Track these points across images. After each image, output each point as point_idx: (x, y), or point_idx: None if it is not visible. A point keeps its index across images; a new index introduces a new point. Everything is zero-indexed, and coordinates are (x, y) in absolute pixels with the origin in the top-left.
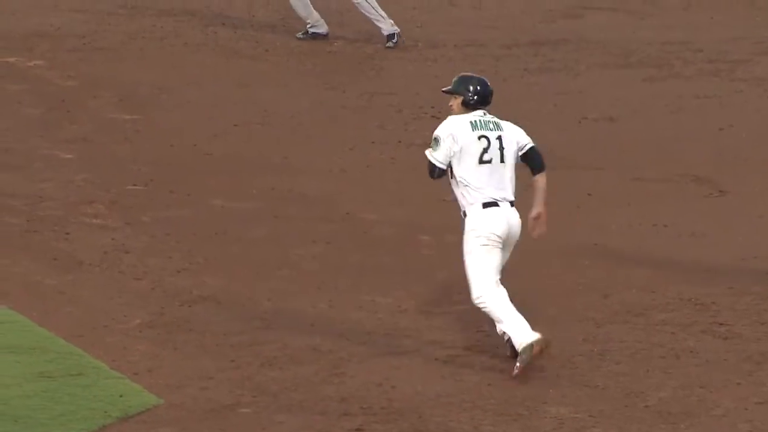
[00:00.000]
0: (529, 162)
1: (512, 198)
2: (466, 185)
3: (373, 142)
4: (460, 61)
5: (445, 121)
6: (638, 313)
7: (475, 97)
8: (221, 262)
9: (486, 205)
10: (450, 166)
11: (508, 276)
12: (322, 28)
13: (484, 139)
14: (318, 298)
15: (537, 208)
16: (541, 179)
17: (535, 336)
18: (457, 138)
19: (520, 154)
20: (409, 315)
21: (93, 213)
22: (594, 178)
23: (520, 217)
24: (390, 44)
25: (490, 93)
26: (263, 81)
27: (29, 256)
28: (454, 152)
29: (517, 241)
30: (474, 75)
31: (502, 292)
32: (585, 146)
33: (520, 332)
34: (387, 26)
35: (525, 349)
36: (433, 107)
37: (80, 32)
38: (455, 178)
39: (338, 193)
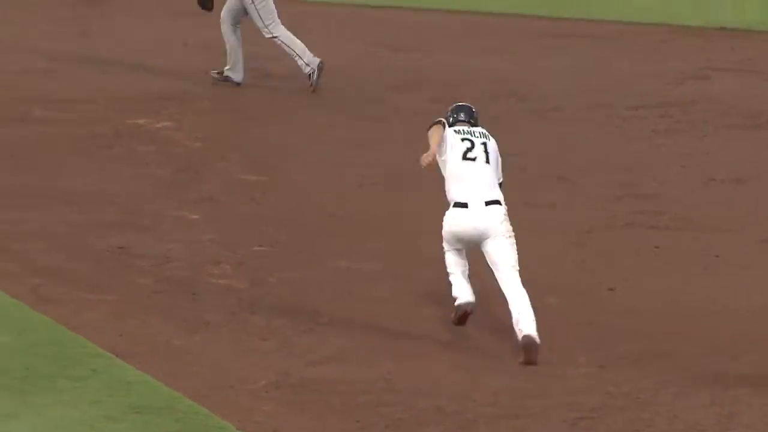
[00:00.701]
0: None
1: (489, 197)
2: (449, 182)
3: None
4: (586, 122)
5: None
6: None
7: (454, 115)
8: (346, 322)
9: (456, 205)
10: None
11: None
12: (238, 76)
13: (467, 141)
14: (442, 358)
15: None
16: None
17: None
18: (447, 137)
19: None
20: (536, 376)
21: (220, 273)
22: (721, 240)
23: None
24: (312, 82)
25: (470, 112)
26: (388, 142)
27: (157, 317)
28: (443, 148)
29: (501, 230)
30: (462, 104)
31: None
32: (712, 208)
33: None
34: (304, 64)
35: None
36: (559, 168)
37: (208, 94)
38: (444, 176)
39: None
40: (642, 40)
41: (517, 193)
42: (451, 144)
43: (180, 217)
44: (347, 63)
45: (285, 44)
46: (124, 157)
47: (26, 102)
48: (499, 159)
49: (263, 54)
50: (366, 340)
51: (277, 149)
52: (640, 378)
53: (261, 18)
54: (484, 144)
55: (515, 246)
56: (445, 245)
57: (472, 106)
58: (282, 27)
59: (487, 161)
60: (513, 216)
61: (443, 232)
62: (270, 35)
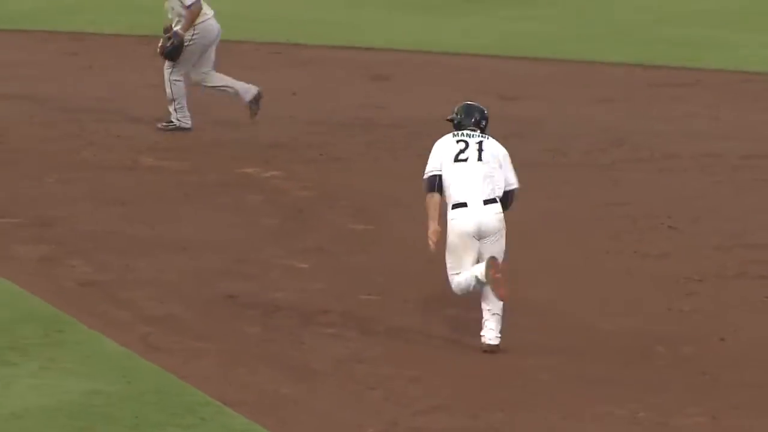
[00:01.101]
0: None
1: (486, 195)
2: (447, 185)
3: (607, 253)
4: (696, 171)
5: None
6: None
7: (458, 116)
8: (453, 371)
9: (455, 206)
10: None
11: None
12: (188, 123)
13: (462, 143)
14: (550, 409)
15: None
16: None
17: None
18: (441, 148)
19: (500, 166)
20: (645, 427)
21: (328, 322)
22: None
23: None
24: (254, 108)
25: (477, 116)
26: None
27: (265, 365)
28: (441, 161)
29: (498, 239)
30: (468, 102)
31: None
32: None
33: (477, 271)
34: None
35: (486, 273)
36: (669, 217)
37: (316, 143)
38: (444, 183)
39: (571, 303)
40: (752, 89)
41: (628, 242)
42: (445, 153)
43: (288, 266)
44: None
45: (171, 92)
46: (233, 206)
47: (136, 150)
48: (507, 160)
49: (370, 103)
50: (474, 389)
51: (385, 199)
52: (752, 428)
53: (183, 60)
54: (480, 143)
55: (504, 240)
56: (450, 265)
57: (484, 109)
58: (182, 80)
59: (480, 159)
60: (624, 264)
61: (449, 242)
62: (168, 72)
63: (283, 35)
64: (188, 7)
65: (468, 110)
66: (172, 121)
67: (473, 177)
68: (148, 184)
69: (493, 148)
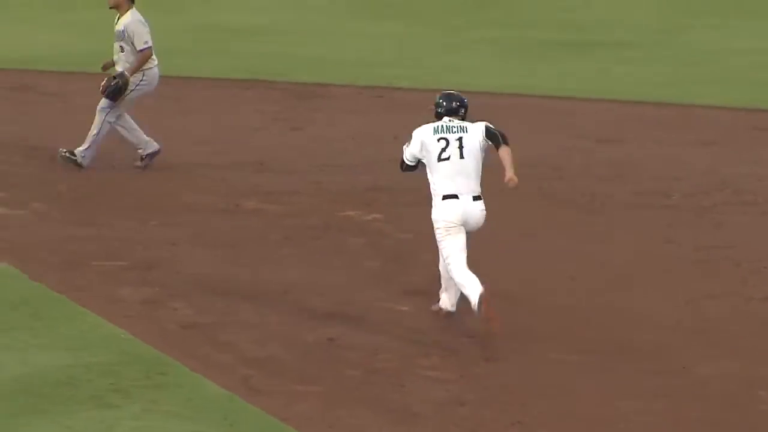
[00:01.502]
0: (492, 140)
1: (475, 191)
2: (431, 179)
3: (709, 296)
4: None
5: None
6: None
7: (439, 110)
8: (552, 416)
9: (445, 197)
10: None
11: None
12: (153, 147)
13: (443, 141)
14: None
15: (507, 173)
16: (502, 151)
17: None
18: (423, 141)
19: (483, 139)
20: None
21: (429, 365)
22: None
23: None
24: (146, 162)
25: (457, 105)
26: (597, 234)
27: (366, 408)
28: (422, 154)
29: (478, 228)
30: (448, 91)
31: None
32: None
33: (474, 293)
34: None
35: (479, 309)
36: None
37: (416, 186)
38: (427, 174)
39: (673, 346)
40: None
41: (731, 285)
42: (427, 148)
43: (389, 308)
44: (553, 155)
45: (98, 132)
46: (334, 248)
47: (238, 194)
48: (481, 144)
49: None
50: None
51: (487, 240)
52: None
53: (123, 103)
54: (460, 139)
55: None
56: (445, 253)
57: (463, 99)
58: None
59: (461, 156)
60: (727, 308)
61: (437, 222)
62: (105, 113)
63: (385, 79)
64: (140, 51)
65: (447, 99)
66: (75, 155)
67: (459, 173)
68: (250, 227)
69: (473, 140)
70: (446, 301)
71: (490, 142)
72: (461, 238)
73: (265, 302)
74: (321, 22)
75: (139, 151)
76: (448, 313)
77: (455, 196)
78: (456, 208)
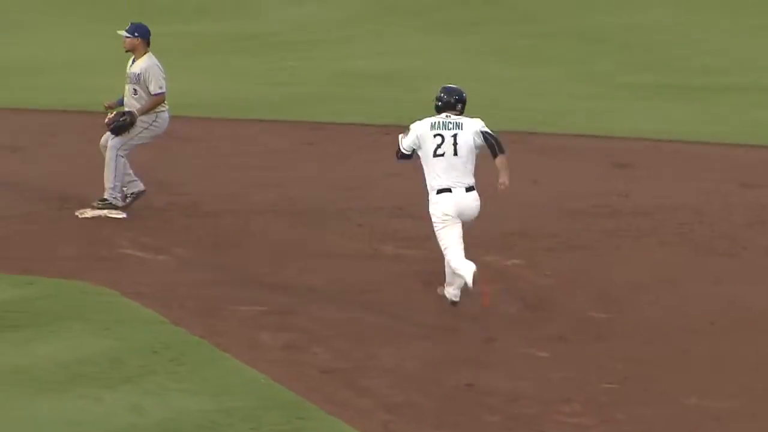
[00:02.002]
0: (489, 148)
1: (468, 183)
2: (427, 173)
3: None
4: None
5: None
6: None
7: (439, 103)
8: None
9: (440, 191)
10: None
11: None
12: (139, 186)
13: (438, 137)
14: None
15: (501, 179)
16: (499, 160)
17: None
18: (420, 135)
19: (478, 138)
20: None
21: (569, 411)
22: None
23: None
24: (129, 202)
25: (455, 100)
26: (740, 279)
27: None
28: (417, 144)
29: (474, 218)
30: (447, 86)
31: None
32: None
33: (468, 272)
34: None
35: (473, 281)
36: None
37: (555, 231)
38: (423, 167)
39: None
40: None
41: None
42: (423, 143)
43: (529, 354)
44: (695, 200)
45: (115, 167)
46: (473, 293)
47: (376, 239)
48: (476, 143)
49: (611, 191)
50: None
51: (626, 286)
52: None
53: (134, 137)
54: (455, 136)
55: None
56: (442, 243)
57: (462, 93)
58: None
59: (455, 153)
60: None
61: (433, 215)
62: (115, 150)
63: (522, 123)
64: (154, 95)
65: (447, 93)
66: (107, 199)
67: (453, 168)
68: (389, 272)
69: (466, 137)
70: (450, 291)
71: (485, 146)
72: (457, 229)
73: (404, 347)
74: (456, 67)
75: (123, 189)
76: (453, 303)
77: (449, 190)
78: (450, 201)
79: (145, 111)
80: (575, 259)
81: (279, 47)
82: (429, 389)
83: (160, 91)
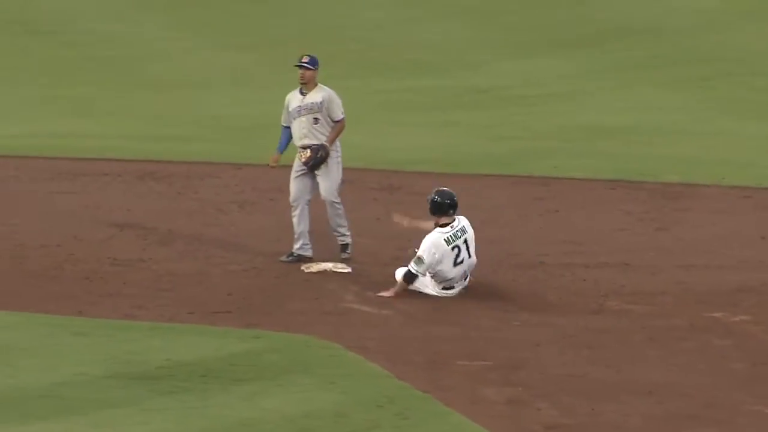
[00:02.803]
0: None
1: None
2: (435, 270)
3: None
4: None
5: (429, 238)
6: None
7: (437, 204)
8: None
9: (444, 288)
10: None
11: None
12: (307, 251)
13: (455, 249)
14: None
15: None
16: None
17: None
18: (442, 255)
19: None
20: None
21: None
22: None
23: None
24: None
25: (453, 204)
26: None
27: None
28: (436, 260)
29: None
30: (442, 189)
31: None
32: None
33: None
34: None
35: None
36: None
37: None
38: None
39: None
40: None
41: None
42: (443, 259)
43: (757, 411)
44: None
45: (344, 213)
46: (699, 350)
47: (602, 294)
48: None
49: None
50: None
51: None
52: None
53: (337, 178)
54: (465, 240)
55: None
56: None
57: (453, 195)
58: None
59: (470, 255)
60: None
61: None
62: (336, 199)
63: (753, 179)
64: (337, 120)
65: (450, 197)
66: (348, 243)
67: (466, 267)
68: (615, 327)
69: (471, 232)
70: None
71: None
72: None
73: (629, 403)
74: (686, 123)
75: (300, 242)
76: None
77: (452, 287)
78: (449, 296)
79: (333, 139)
80: None
81: (507, 101)
82: None
83: (343, 116)
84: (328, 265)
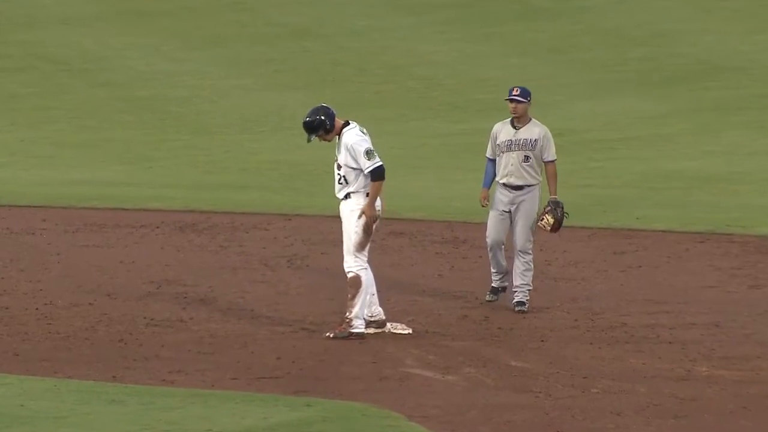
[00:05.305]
0: None
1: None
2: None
3: None
4: None
5: (360, 139)
6: None
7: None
8: None
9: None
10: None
11: None
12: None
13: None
14: None
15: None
16: None
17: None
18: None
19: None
20: None
21: None
22: None
23: None
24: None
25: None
26: None
27: None
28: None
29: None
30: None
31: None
32: None
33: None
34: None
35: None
36: None
37: None
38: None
39: None
40: None
41: None
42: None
43: None
44: None
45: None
46: None
47: (690, 358)
48: None
49: None
50: None
51: None
52: None
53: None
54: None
55: None
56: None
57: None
58: None
59: None
60: None
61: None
62: (530, 250)
63: None
64: (549, 161)
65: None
66: (524, 303)
67: None
68: (704, 395)
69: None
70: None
71: None
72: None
73: None
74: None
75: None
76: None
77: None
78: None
79: (555, 189)
80: None
81: (583, 145)
82: None
83: (555, 157)
84: (394, 325)
